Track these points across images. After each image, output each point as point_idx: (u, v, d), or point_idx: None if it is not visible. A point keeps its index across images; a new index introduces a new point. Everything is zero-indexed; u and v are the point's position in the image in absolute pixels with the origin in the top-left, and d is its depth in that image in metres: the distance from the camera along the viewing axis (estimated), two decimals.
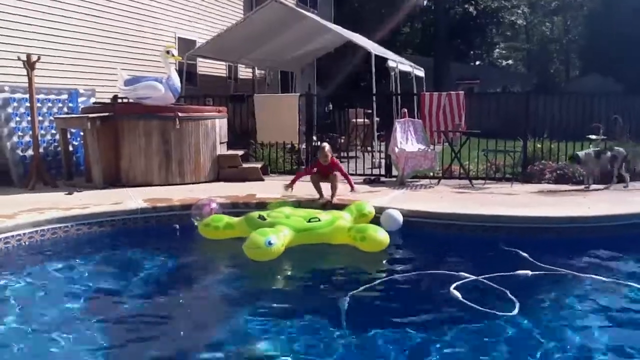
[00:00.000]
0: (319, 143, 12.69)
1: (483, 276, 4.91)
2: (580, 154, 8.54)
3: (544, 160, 9.79)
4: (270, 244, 5.35)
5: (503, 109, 10.91)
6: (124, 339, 4.03)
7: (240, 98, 11.96)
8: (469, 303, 4.36)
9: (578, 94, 12.56)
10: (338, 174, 7.47)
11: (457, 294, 4.55)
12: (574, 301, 4.64)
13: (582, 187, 8.55)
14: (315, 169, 7.65)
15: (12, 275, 5.25)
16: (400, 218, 6.57)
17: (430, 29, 33.96)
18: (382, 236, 5.85)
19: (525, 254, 5.54)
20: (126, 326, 4.22)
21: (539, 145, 10.02)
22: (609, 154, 8.47)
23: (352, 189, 7.48)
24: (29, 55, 8.60)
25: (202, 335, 4.09)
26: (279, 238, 5.51)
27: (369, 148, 12.89)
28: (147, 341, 3.96)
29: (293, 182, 7.47)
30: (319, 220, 6.06)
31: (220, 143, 9.90)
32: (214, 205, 6.82)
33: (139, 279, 5.22)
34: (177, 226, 6.75)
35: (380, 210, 6.87)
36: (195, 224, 6.61)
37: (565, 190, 8.41)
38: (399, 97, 12.97)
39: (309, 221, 6.01)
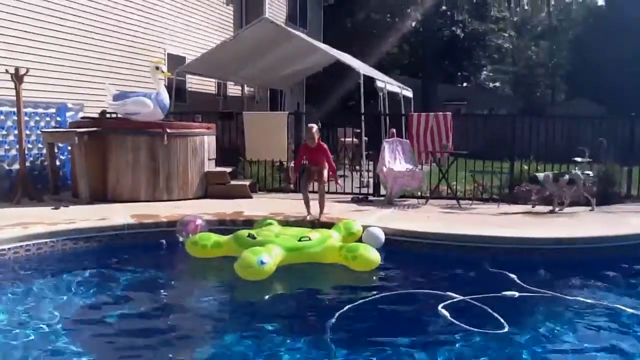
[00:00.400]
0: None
1: (470, 296, 4.92)
2: (539, 175, 8.69)
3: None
4: (262, 263, 5.31)
5: (490, 130, 11.00)
6: (108, 355, 3.98)
7: (229, 115, 11.96)
8: (457, 322, 4.36)
9: (563, 117, 12.72)
10: (325, 178, 7.64)
11: (446, 313, 4.55)
12: (561, 323, 4.66)
13: (556, 209, 8.59)
14: (303, 158, 7.76)
15: None
16: (382, 236, 6.59)
17: (418, 50, 34.26)
18: (373, 255, 5.83)
19: (512, 275, 5.56)
20: (110, 343, 4.17)
21: (525, 167, 10.10)
22: (566, 177, 8.55)
23: (335, 179, 8.07)
24: (17, 69, 8.57)
25: (188, 355, 4.04)
26: (271, 257, 5.48)
27: (357, 167, 12.93)
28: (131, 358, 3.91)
29: (294, 175, 8.50)
30: (309, 239, 6.00)
31: (209, 160, 9.89)
32: (199, 222, 6.78)
33: (125, 295, 5.17)
34: (164, 241, 6.70)
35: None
36: (180, 239, 6.57)
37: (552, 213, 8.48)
38: (387, 117, 13.06)
39: (300, 240, 5.96)
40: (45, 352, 3.90)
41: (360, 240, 6.53)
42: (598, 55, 28.32)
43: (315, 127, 7.52)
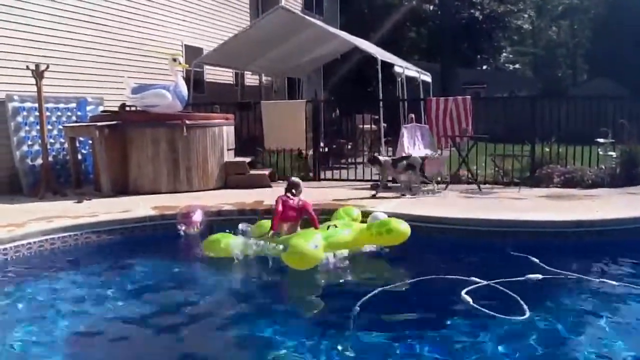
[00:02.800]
0: (326, 149, 12.76)
1: (494, 281, 4.89)
2: (381, 158, 8.63)
3: (552, 164, 9.75)
4: (316, 247, 5.27)
5: (510, 113, 10.89)
6: (132, 346, 4.05)
7: (248, 105, 12.00)
8: (480, 308, 4.34)
9: (585, 97, 12.53)
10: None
11: (468, 298, 4.53)
12: (585, 305, 4.63)
13: (590, 191, 8.49)
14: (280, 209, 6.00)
15: (23, 283, 5.29)
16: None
17: (436, 34, 33.90)
18: (404, 226, 5.85)
19: (534, 259, 5.51)
20: (134, 332, 4.24)
21: (546, 150, 9.99)
22: (404, 162, 8.42)
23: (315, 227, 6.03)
24: (37, 65, 8.67)
25: (213, 343, 4.09)
26: (318, 242, 5.40)
27: (376, 154, 12.88)
28: (156, 349, 3.97)
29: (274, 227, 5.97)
30: (336, 227, 5.93)
31: (228, 150, 9.94)
32: (197, 213, 6.78)
33: (148, 286, 5.24)
34: (182, 230, 6.72)
35: (388, 216, 6.87)
36: (181, 232, 6.63)
37: (574, 195, 8.38)
38: (406, 102, 12.97)
39: (328, 228, 5.89)
40: (72, 342, 3.98)
41: None
42: (620, 33, 27.80)
43: (301, 184, 6.40)
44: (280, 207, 5.96)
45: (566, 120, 10.18)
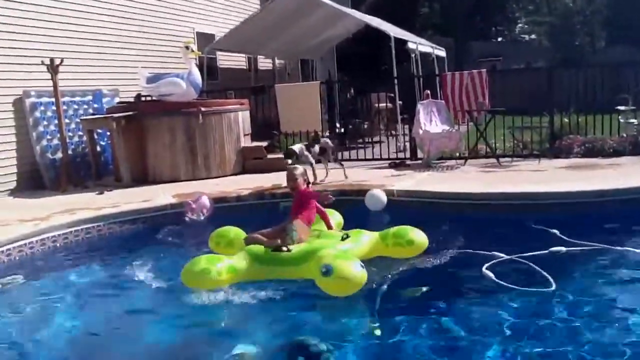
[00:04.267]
0: (342, 130, 12.71)
1: (517, 255, 4.86)
2: (296, 148, 7.89)
3: (572, 134, 9.63)
4: (362, 267, 4.25)
5: (527, 84, 10.73)
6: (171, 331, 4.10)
7: (262, 89, 11.98)
8: (502, 282, 4.32)
9: (603, 65, 12.31)
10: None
11: (490, 274, 4.52)
12: (611, 274, 4.59)
13: (611, 159, 8.37)
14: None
15: (50, 276, 5.39)
16: (384, 198, 6.56)
17: (449, 8, 33.45)
18: (422, 236, 5.06)
19: (555, 231, 5.46)
20: (169, 317, 4.29)
21: (565, 120, 9.86)
22: (317, 147, 8.03)
23: (329, 228, 5.38)
24: (52, 59, 8.74)
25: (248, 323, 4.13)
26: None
27: (392, 132, 12.83)
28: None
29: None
30: (349, 236, 4.95)
31: (244, 135, 9.96)
32: (203, 199, 6.73)
33: (174, 271, 5.29)
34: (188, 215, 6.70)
35: (408, 193, 6.87)
36: (187, 220, 6.62)
37: (595, 164, 8.27)
38: (421, 79, 12.85)
39: (343, 239, 4.89)
40: (109, 331, 4.05)
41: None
42: None
43: (299, 170, 5.43)
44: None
45: (585, 89, 10.02)
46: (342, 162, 8.48)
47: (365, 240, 4.98)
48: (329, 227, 5.32)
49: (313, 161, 7.94)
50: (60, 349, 3.85)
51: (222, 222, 6.61)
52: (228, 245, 5.20)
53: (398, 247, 4.98)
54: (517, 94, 10.67)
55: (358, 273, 4.14)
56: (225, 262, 4.47)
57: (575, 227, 5.54)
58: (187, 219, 6.65)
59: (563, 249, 5.02)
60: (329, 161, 8.35)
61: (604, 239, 5.22)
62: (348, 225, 5.61)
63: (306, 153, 7.87)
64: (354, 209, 6.50)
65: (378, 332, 3.72)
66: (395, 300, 4.24)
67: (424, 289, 4.52)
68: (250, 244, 4.81)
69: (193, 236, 6.43)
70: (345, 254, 4.42)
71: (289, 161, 7.45)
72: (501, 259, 4.85)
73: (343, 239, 4.84)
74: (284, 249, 4.59)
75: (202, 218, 6.64)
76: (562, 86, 9.98)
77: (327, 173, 8.16)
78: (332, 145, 8.39)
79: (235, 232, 5.34)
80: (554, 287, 4.20)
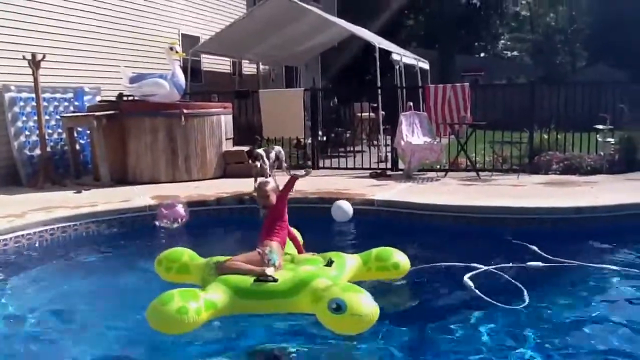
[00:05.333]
0: (324, 138, 12.72)
1: (494, 266, 4.91)
2: (261, 151, 7.83)
3: (551, 151, 9.76)
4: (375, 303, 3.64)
5: (509, 100, 10.86)
6: (133, 337, 4.05)
7: (246, 94, 11.95)
8: (481, 295, 4.36)
9: (583, 83, 12.50)
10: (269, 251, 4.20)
11: (470, 283, 4.55)
12: (585, 292, 4.66)
13: (588, 177, 8.50)
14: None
15: (22, 273, 5.30)
16: (350, 209, 6.59)
17: (434, 21, 33.81)
18: (405, 258, 4.61)
19: (534, 247, 5.52)
20: (138, 322, 4.24)
21: (545, 136, 9.99)
22: (272, 153, 7.92)
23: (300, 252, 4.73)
24: (34, 54, 8.63)
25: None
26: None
27: (374, 142, 12.88)
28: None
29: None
30: (333, 261, 4.29)
31: (226, 139, 9.92)
32: (177, 209, 6.36)
33: (150, 275, 5.24)
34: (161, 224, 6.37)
35: (388, 204, 6.89)
36: (159, 225, 6.30)
37: (572, 181, 8.38)
38: (404, 90, 12.94)
39: (328, 264, 4.24)
40: (74, 333, 3.99)
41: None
42: (619, 19, 27.71)
43: (271, 184, 4.77)
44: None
45: (565, 106, 10.17)
46: (295, 173, 8.11)
47: (350, 265, 4.38)
48: (300, 250, 4.67)
49: (267, 168, 7.70)
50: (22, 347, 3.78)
51: (201, 226, 6.65)
52: (181, 271, 4.38)
53: (383, 271, 4.50)
54: (499, 109, 10.79)
55: (373, 308, 3.55)
56: (201, 297, 3.65)
57: (552, 242, 5.60)
58: (157, 224, 6.31)
59: (540, 263, 5.08)
60: (281, 170, 8.15)
61: (579, 255, 5.28)
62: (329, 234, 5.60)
63: (272, 155, 7.78)
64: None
65: (350, 342, 3.71)
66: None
67: (403, 298, 4.54)
68: (226, 273, 4.00)
69: (170, 239, 6.38)
70: (352, 286, 3.79)
71: (257, 164, 7.48)
72: (480, 269, 4.88)
73: (329, 264, 4.19)
74: (270, 278, 3.91)
75: (175, 226, 6.29)
76: (543, 103, 10.11)
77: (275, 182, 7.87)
78: (283, 154, 8.18)
79: (189, 254, 4.50)
80: (527, 301, 4.24)
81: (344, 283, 3.88)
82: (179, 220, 6.31)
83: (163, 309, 3.52)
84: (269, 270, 3.97)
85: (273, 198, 4.54)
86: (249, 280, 3.91)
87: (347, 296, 3.56)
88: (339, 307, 3.48)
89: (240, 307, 3.86)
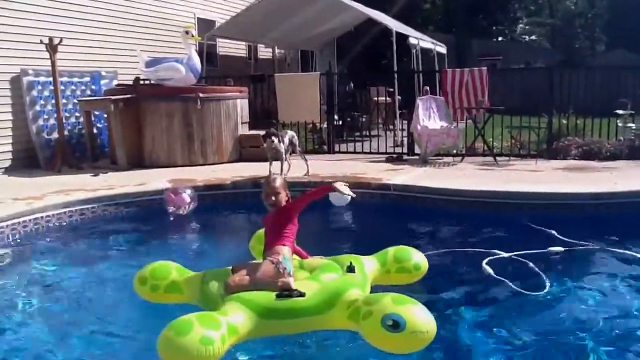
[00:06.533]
0: (340, 122, 12.68)
1: (515, 253, 4.86)
2: (285, 134, 7.83)
3: (570, 136, 9.64)
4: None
5: (527, 84, 10.75)
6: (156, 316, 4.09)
7: (261, 78, 11.94)
8: (500, 278, 4.32)
9: (603, 68, 12.32)
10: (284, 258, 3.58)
11: (489, 269, 4.52)
12: (606, 276, 4.60)
13: (608, 163, 8.39)
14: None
15: (42, 255, 5.36)
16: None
17: (451, 5, 33.39)
18: (423, 256, 4.20)
19: (552, 231, 5.47)
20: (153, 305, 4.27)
21: (564, 121, 9.87)
22: (286, 138, 7.76)
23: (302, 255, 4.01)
24: (51, 39, 8.66)
25: None
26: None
27: (390, 126, 12.82)
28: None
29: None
30: (353, 265, 3.71)
31: (242, 123, 9.92)
32: (188, 192, 6.35)
33: (168, 257, 5.27)
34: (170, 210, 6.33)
35: (404, 188, 6.87)
36: (170, 211, 6.27)
37: (591, 167, 8.29)
38: (421, 74, 12.84)
39: (349, 270, 3.67)
40: (95, 315, 4.04)
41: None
42: (639, 3, 27.20)
43: (280, 180, 3.90)
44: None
45: (584, 91, 10.04)
46: (306, 157, 8.09)
47: (369, 268, 3.86)
48: (303, 254, 3.98)
49: (283, 151, 7.58)
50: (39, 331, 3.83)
51: (217, 209, 6.67)
52: (170, 290, 3.73)
53: (403, 273, 4.01)
54: (517, 94, 10.69)
55: (433, 323, 3.05)
56: (223, 322, 3.02)
57: (569, 229, 5.54)
58: (169, 210, 6.27)
59: (561, 248, 5.03)
60: (295, 154, 8.12)
61: (598, 241, 5.23)
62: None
63: (286, 140, 7.68)
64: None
65: None
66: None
67: (422, 283, 4.52)
68: (236, 291, 3.36)
69: (186, 222, 6.41)
70: (403, 297, 3.18)
71: (274, 140, 7.36)
72: (500, 256, 4.84)
73: (350, 270, 3.64)
74: (295, 292, 3.31)
75: (184, 213, 6.28)
76: (562, 87, 9.97)
77: (289, 166, 7.88)
78: (297, 139, 8.10)
79: (176, 269, 3.84)
80: (547, 287, 4.21)
81: (393, 294, 3.22)
82: (185, 207, 6.26)
83: (182, 341, 2.83)
84: (291, 282, 3.37)
85: (283, 197, 3.79)
86: (270, 296, 3.30)
87: (403, 310, 3.02)
88: (396, 325, 2.95)
89: (265, 329, 3.24)
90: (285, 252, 3.58)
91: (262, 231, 4.09)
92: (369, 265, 3.87)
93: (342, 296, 3.30)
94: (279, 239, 3.67)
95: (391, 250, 4.05)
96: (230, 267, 3.67)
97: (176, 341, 2.83)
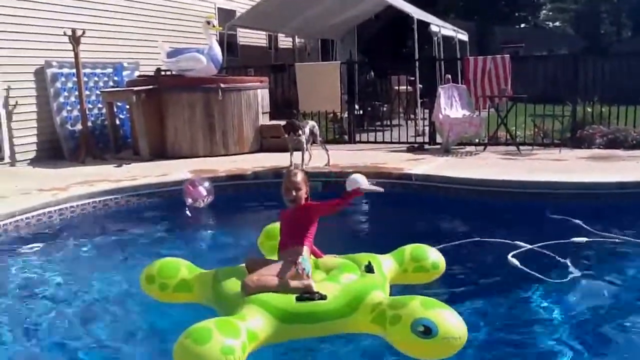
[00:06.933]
0: (361, 112, 12.63)
1: (539, 244, 4.80)
2: (306, 125, 7.78)
3: (594, 124, 9.49)
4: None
5: (550, 72, 10.58)
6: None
7: (282, 68, 11.92)
8: (526, 269, 4.28)
9: (629, 54, 12.08)
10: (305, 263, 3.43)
11: (515, 261, 4.47)
12: (634, 268, 4.54)
13: (634, 151, 8.26)
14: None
15: (68, 244, 5.44)
16: (365, 182, 6.43)
17: None
18: (440, 256, 4.04)
19: (578, 221, 5.40)
20: None
21: (588, 110, 9.71)
22: (307, 128, 7.67)
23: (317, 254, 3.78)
24: (74, 30, 8.74)
25: None
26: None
27: (412, 115, 12.74)
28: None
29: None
30: (372, 265, 3.56)
31: (263, 113, 9.93)
32: (200, 189, 6.24)
33: (191, 247, 5.32)
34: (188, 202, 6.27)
35: (426, 178, 6.83)
36: (187, 208, 6.21)
37: (617, 156, 8.16)
38: (442, 62, 12.72)
39: (368, 270, 3.52)
40: (114, 304, 4.10)
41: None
42: None
43: (301, 175, 3.69)
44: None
45: (609, 78, 9.86)
46: (327, 147, 8.06)
47: (387, 268, 3.71)
48: (317, 253, 3.76)
49: (304, 142, 7.54)
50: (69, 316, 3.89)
51: (239, 199, 6.70)
52: (180, 289, 3.60)
53: (421, 273, 3.88)
54: (540, 81, 10.54)
55: (464, 328, 2.93)
56: (242, 328, 2.87)
57: (594, 219, 5.47)
58: (187, 202, 6.19)
59: (585, 239, 4.97)
60: (316, 144, 8.09)
61: (623, 232, 5.15)
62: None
63: (307, 130, 7.62)
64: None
65: None
66: (415, 285, 4.19)
67: (445, 275, 4.50)
68: (254, 293, 3.18)
69: (209, 212, 6.45)
70: (432, 300, 3.07)
71: (300, 135, 7.34)
72: (524, 248, 4.78)
73: (369, 270, 3.49)
74: (316, 295, 3.17)
75: (202, 205, 6.22)
76: (587, 75, 9.81)
77: (310, 156, 7.88)
78: (317, 129, 8.07)
79: (187, 267, 3.70)
80: (572, 275, 4.17)
81: (420, 297, 3.10)
82: (202, 200, 6.19)
83: (201, 350, 2.67)
84: (313, 285, 3.23)
85: (303, 193, 3.60)
86: (290, 299, 3.15)
87: (434, 315, 2.90)
88: (428, 331, 2.84)
89: (285, 333, 3.10)
90: (304, 253, 3.45)
91: (272, 226, 4.00)
92: (386, 264, 3.73)
93: (365, 299, 3.18)
94: (297, 238, 3.52)
95: (408, 249, 3.92)
96: (244, 265, 3.52)
97: (195, 350, 2.67)
